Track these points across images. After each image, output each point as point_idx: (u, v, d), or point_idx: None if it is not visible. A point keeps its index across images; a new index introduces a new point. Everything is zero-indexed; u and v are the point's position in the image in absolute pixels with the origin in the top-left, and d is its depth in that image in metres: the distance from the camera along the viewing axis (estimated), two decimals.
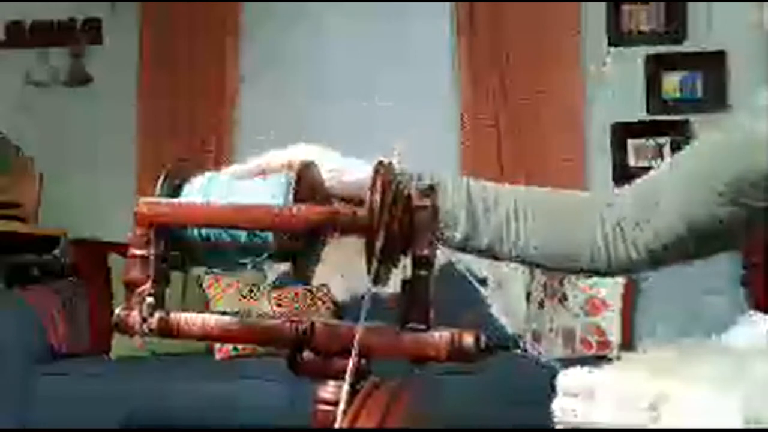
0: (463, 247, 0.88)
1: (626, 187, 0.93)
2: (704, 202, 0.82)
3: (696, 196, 0.83)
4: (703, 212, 0.83)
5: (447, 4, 3.53)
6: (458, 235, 0.87)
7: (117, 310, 0.70)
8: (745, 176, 0.80)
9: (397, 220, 0.63)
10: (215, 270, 3.00)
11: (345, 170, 0.81)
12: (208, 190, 0.66)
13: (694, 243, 0.84)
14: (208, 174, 0.68)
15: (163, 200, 0.65)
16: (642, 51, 3.44)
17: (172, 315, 0.70)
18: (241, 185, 0.66)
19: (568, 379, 0.68)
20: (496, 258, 0.91)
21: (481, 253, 0.89)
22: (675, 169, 0.89)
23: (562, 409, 0.68)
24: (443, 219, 0.85)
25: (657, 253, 0.86)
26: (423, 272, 0.64)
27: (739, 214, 0.81)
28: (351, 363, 0.57)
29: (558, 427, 0.70)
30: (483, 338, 0.63)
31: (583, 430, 0.67)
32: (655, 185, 0.89)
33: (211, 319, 0.70)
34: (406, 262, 0.65)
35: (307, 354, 0.67)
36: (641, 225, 0.86)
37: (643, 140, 3.42)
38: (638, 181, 0.92)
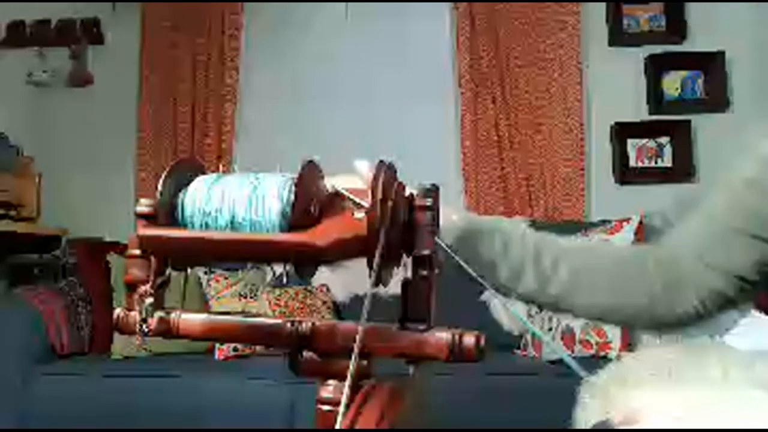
0: (522, 300, 0.91)
1: (672, 237, 0.95)
2: (746, 248, 0.86)
3: (736, 245, 0.86)
4: (746, 259, 0.86)
5: (447, 4, 3.53)
6: (521, 290, 0.90)
7: (117, 310, 0.70)
8: None
9: (398, 220, 0.63)
10: (215, 270, 3.00)
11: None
12: (216, 191, 0.66)
13: (739, 293, 0.88)
14: (214, 175, 0.68)
15: (164, 232, 0.64)
16: (642, 51, 3.44)
17: (172, 315, 0.70)
18: (245, 185, 0.65)
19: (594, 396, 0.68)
20: (556, 312, 0.94)
21: (529, 303, 0.92)
22: (710, 227, 0.91)
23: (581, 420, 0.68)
24: (509, 272, 0.88)
25: (702, 310, 0.89)
26: (424, 272, 0.64)
27: None
28: (352, 363, 0.56)
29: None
30: (483, 338, 0.63)
31: (587, 430, 0.67)
32: (694, 243, 0.91)
33: (211, 319, 0.70)
34: (407, 261, 0.65)
35: (307, 354, 0.67)
36: (686, 284, 0.89)
37: (643, 140, 3.42)
38: (675, 236, 0.95)
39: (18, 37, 3.74)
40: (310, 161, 0.65)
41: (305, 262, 0.64)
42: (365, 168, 0.78)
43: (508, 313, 2.77)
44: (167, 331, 0.69)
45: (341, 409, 0.55)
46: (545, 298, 0.90)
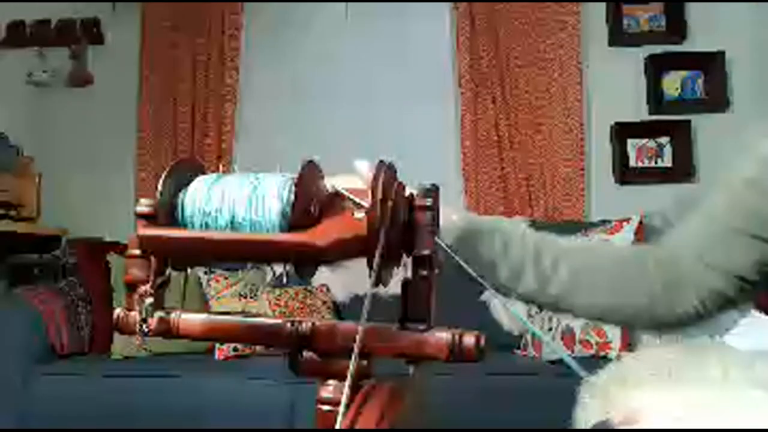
0: (522, 300, 0.91)
1: (672, 237, 0.95)
2: (746, 248, 0.86)
3: (736, 245, 0.86)
4: (746, 259, 0.86)
5: (447, 4, 3.53)
6: (521, 290, 0.90)
7: (117, 310, 0.70)
8: None
9: (398, 220, 0.63)
10: (215, 270, 3.00)
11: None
12: (216, 191, 0.66)
13: (739, 293, 0.88)
14: (214, 175, 0.68)
15: (164, 232, 0.64)
16: (642, 51, 3.44)
17: (172, 315, 0.70)
18: (245, 185, 0.65)
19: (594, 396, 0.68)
20: (556, 312, 0.94)
21: (529, 303, 0.92)
22: (710, 227, 0.90)
23: (582, 421, 0.68)
24: (509, 272, 0.88)
25: (702, 310, 0.89)
26: (424, 272, 0.64)
27: None
28: (352, 363, 0.56)
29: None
30: (483, 338, 0.63)
31: (587, 430, 0.67)
32: (694, 243, 0.91)
33: (211, 319, 0.70)
34: (407, 261, 0.65)
35: (307, 354, 0.67)
36: (686, 284, 0.89)
37: (643, 140, 3.42)
38: (675, 236, 0.94)
39: (18, 37, 3.74)
40: (310, 161, 0.65)
41: (305, 262, 0.64)
42: (365, 168, 0.78)
43: (508, 313, 2.77)
44: (167, 331, 0.69)
45: (341, 409, 0.55)
46: (545, 298, 0.90)
